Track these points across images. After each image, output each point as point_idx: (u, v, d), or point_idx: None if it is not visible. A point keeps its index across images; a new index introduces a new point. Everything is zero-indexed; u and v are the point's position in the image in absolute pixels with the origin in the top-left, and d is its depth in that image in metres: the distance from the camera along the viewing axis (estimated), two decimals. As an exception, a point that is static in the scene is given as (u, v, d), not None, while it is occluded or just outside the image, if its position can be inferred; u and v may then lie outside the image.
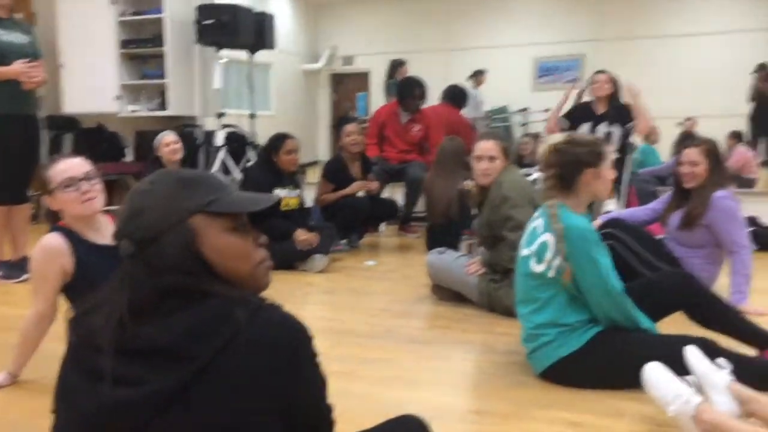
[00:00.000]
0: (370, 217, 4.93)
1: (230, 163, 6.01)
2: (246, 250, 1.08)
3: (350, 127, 4.88)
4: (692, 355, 1.98)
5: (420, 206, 5.22)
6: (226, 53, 6.23)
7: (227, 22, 5.70)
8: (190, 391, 0.93)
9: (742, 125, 8.51)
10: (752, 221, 4.74)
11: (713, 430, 1.76)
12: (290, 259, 4.12)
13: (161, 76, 6.39)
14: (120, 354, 0.96)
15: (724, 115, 9.49)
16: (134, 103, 6.59)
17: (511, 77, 11.89)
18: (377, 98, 9.96)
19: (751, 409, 1.85)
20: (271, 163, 4.32)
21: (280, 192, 4.25)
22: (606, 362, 2.17)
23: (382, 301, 3.45)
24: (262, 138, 4.63)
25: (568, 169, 2.21)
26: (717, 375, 1.92)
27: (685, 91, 10.77)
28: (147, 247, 1.01)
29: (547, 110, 10.51)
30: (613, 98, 5.03)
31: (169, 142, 4.53)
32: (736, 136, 7.50)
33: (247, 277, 1.08)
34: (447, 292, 3.39)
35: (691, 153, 3.29)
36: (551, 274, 2.19)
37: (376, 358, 2.58)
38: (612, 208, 4.91)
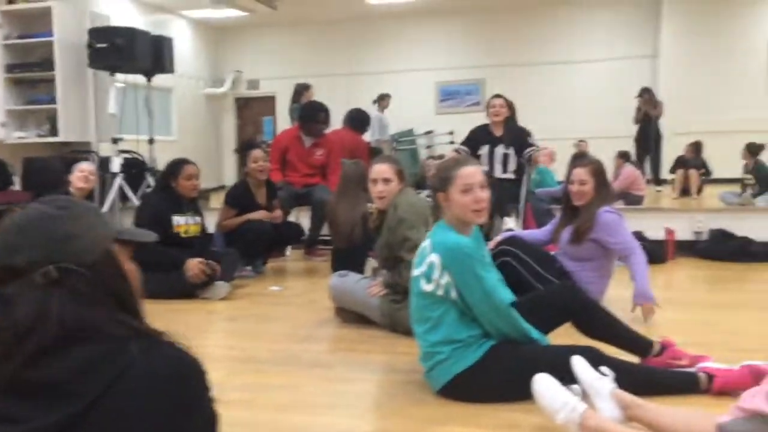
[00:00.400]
0: (275, 241, 4.88)
1: (128, 190, 5.81)
2: (138, 277, 1.11)
3: (257, 153, 4.82)
4: (578, 364, 2.08)
5: (326, 229, 5.23)
6: (123, 77, 6.05)
7: (122, 46, 5.54)
8: (76, 429, 0.90)
9: (629, 146, 9.06)
10: (638, 236, 5.03)
11: (597, 435, 1.86)
12: (188, 288, 4.00)
13: (52, 101, 6.11)
14: (9, 391, 0.92)
15: (612, 137, 10.06)
16: (21, 130, 6.26)
17: (415, 101, 12.16)
18: (283, 122, 9.93)
19: (633, 414, 1.95)
20: (169, 189, 4.21)
21: (178, 219, 4.15)
22: (500, 376, 2.24)
23: (285, 327, 3.41)
24: (164, 163, 4.51)
25: (433, 197, 2.39)
26: (601, 383, 2.02)
27: (577, 114, 11.37)
28: (75, 274, 0.98)
29: (450, 132, 10.88)
30: (509, 121, 5.25)
31: (83, 169, 4.37)
32: (623, 156, 7.97)
33: (138, 303, 1.09)
34: (350, 315, 3.40)
35: (580, 173, 3.48)
36: (440, 292, 2.24)
37: (277, 385, 2.54)
38: (512, 226, 5.09)
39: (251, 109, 13.35)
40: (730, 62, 10.79)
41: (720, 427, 1.65)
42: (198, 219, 4.29)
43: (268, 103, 13.00)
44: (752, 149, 7.43)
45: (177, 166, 4.20)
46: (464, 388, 2.26)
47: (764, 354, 2.46)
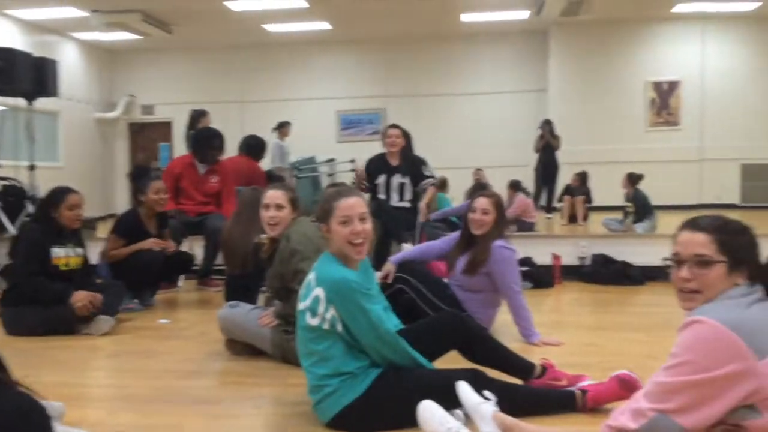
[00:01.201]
0: (165, 271, 4.70)
1: (4, 219, 5.45)
2: None
3: (159, 184, 4.63)
4: (462, 389, 2.11)
5: (220, 259, 5.09)
6: (2, 100, 5.70)
7: (1, 68, 5.23)
8: None
9: (520, 175, 9.43)
10: (526, 262, 5.23)
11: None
12: (70, 323, 3.77)
13: None
14: None
15: (506, 166, 10.47)
16: None
17: (317, 129, 12.19)
18: (180, 148, 9.67)
19: (513, 431, 2.00)
20: (49, 219, 3.96)
21: (58, 251, 3.91)
22: (388, 404, 2.23)
23: (170, 361, 3.27)
24: (47, 191, 4.25)
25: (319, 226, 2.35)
26: (483, 406, 2.06)
27: (473, 144, 11.77)
28: None
29: (352, 161, 10.95)
30: (405, 151, 5.34)
31: None
32: (514, 186, 8.30)
33: None
34: (241, 347, 3.31)
35: (484, 202, 3.57)
36: (326, 326, 2.21)
37: (159, 424, 2.42)
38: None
39: (146, 135, 12.93)
40: (613, 98, 11.54)
41: None
42: (80, 251, 4.06)
43: (164, 128, 12.65)
44: (632, 179, 7.93)
45: (58, 194, 3.96)
46: (354, 419, 2.24)
47: (641, 373, 2.59)
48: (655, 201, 7.73)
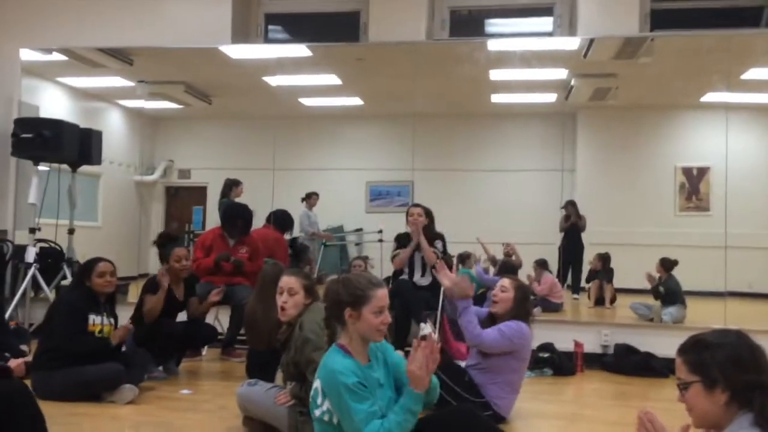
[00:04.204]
0: (188, 342, 4.80)
1: (41, 281, 5.63)
2: None
3: (180, 252, 4.82)
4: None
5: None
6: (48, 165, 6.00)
7: (49, 138, 5.53)
8: None
9: (548, 253, 9.43)
10: (548, 348, 5.21)
11: None
12: (95, 389, 3.87)
13: (-32, 187, 5.96)
14: None
15: (533, 243, 10.48)
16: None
17: (346, 199, 12.39)
18: (213, 212, 9.91)
19: None
20: (84, 287, 4.13)
21: (95, 318, 4.06)
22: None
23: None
24: (86, 251, 4.44)
25: (331, 305, 2.35)
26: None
27: (500, 220, 11.82)
28: None
29: (380, 231, 11.09)
30: (427, 229, 5.46)
31: None
32: (541, 264, 8.31)
33: None
34: (258, 425, 3.35)
35: (505, 281, 3.71)
36: (326, 418, 2.25)
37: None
38: (428, 331, 5.16)
39: (181, 199, 13.29)
40: (642, 182, 11.54)
41: None
42: (112, 321, 4.20)
43: (198, 192, 12.98)
44: (666, 264, 7.89)
45: (90, 263, 4.15)
46: None
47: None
48: (684, 287, 7.66)
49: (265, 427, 3.32)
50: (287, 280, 3.27)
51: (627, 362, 5.23)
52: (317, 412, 2.26)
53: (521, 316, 3.65)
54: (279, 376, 3.94)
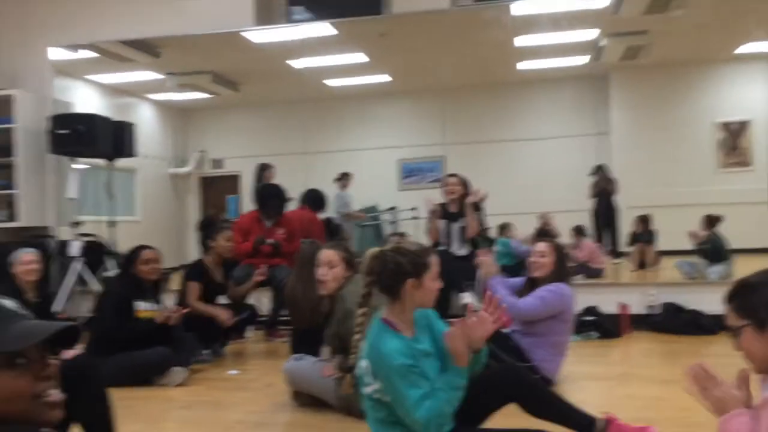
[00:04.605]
0: (231, 326, 4.85)
1: (87, 275, 5.76)
2: (17, 389, 1.06)
3: (229, 233, 4.93)
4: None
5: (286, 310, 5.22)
6: (84, 160, 6.10)
7: (83, 132, 5.62)
8: None
9: (584, 220, 9.29)
10: (592, 311, 5.14)
11: None
12: (146, 373, 3.95)
13: (9, 186, 6.10)
14: None
15: (570, 210, 10.34)
16: (-22, 215, 6.22)
17: (378, 178, 12.38)
18: (247, 200, 10.00)
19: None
20: (130, 275, 4.21)
21: (142, 305, 4.13)
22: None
23: (240, 413, 3.37)
24: (126, 245, 4.52)
25: (389, 277, 2.23)
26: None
27: (535, 189, 11.67)
28: None
29: (413, 208, 11.07)
30: (464, 198, 5.42)
31: (26, 261, 4.32)
32: (579, 231, 8.19)
33: (20, 415, 1.05)
34: (307, 399, 3.38)
35: (541, 245, 3.66)
36: (376, 396, 2.19)
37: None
38: (469, 300, 5.14)
39: (216, 188, 13.44)
40: (679, 140, 11.28)
41: None
42: (157, 307, 4.27)
43: (232, 181, 13.10)
44: (709, 221, 7.71)
45: (135, 251, 4.21)
46: None
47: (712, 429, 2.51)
48: (729, 244, 7.47)
49: (314, 401, 3.34)
50: (326, 253, 3.28)
51: (675, 321, 5.14)
52: (368, 390, 2.22)
53: (561, 278, 3.61)
54: (325, 350, 3.97)
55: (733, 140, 11.07)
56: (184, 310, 4.24)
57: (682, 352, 4.64)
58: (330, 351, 3.53)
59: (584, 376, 3.87)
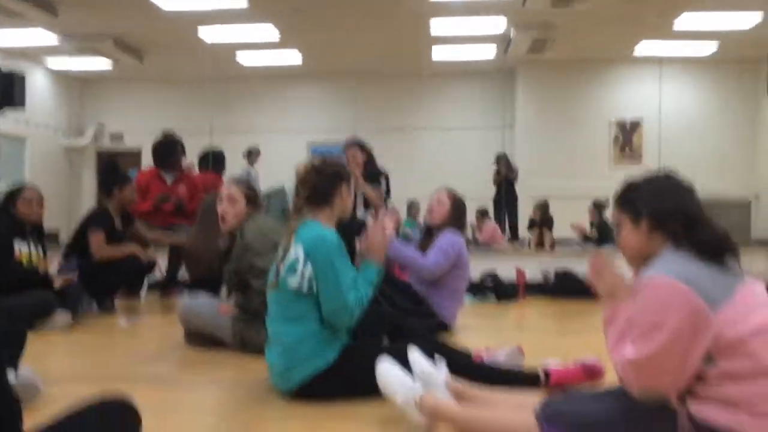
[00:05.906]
0: (131, 274, 4.61)
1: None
2: None
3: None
4: (414, 355, 2.10)
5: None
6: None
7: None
8: None
9: (491, 208, 9.60)
10: (490, 275, 5.28)
11: (433, 413, 1.89)
12: (26, 317, 3.68)
13: None
14: None
15: (472, 199, 10.58)
16: None
17: (287, 160, 12.19)
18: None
19: (464, 397, 2.00)
20: (9, 214, 3.93)
21: (21, 246, 3.86)
22: (351, 374, 2.24)
23: (129, 351, 3.22)
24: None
25: (327, 181, 2.38)
26: (436, 371, 2.06)
27: (440, 175, 11.87)
28: None
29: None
30: (369, 165, 5.41)
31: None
32: (483, 213, 8.42)
33: None
34: (199, 339, 3.26)
35: (440, 193, 3.71)
36: (305, 290, 2.24)
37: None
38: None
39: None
40: (578, 135, 11.82)
41: (541, 405, 1.74)
42: (40, 250, 4.01)
43: (133, 157, 12.55)
44: (598, 206, 8.13)
45: (16, 190, 3.95)
46: (319, 387, 2.24)
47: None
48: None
49: (208, 342, 3.23)
50: (228, 187, 3.19)
51: (567, 284, 5.35)
52: (295, 282, 2.24)
53: (457, 225, 3.70)
54: (223, 291, 3.86)
55: (627, 137, 11.73)
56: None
57: (573, 311, 4.84)
58: (227, 289, 3.43)
59: (481, 327, 3.95)
